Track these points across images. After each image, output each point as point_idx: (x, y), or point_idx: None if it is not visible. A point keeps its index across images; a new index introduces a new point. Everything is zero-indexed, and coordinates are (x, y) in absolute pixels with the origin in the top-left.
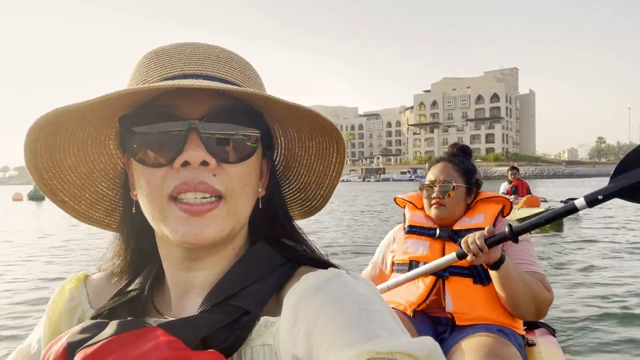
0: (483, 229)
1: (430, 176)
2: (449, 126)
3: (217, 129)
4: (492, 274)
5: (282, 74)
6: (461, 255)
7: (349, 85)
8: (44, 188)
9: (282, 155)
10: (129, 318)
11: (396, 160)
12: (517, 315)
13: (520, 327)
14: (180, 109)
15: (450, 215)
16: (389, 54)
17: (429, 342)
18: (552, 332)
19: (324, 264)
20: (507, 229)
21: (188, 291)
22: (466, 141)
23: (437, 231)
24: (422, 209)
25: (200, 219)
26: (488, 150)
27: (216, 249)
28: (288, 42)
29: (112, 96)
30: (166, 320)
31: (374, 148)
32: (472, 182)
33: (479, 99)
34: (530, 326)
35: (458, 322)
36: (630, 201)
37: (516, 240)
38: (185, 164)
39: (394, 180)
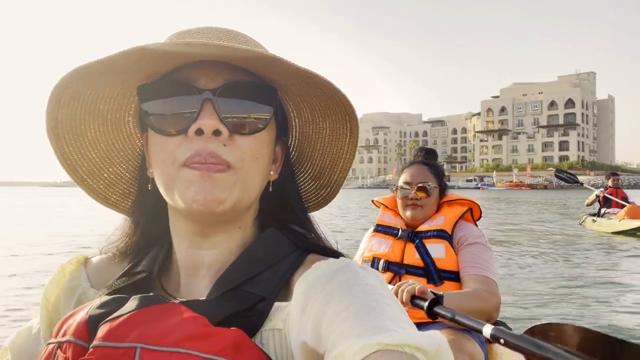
0: (442, 230)
1: (407, 178)
2: (519, 133)
3: (231, 100)
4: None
5: (347, 76)
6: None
7: (413, 91)
8: (64, 163)
9: (296, 139)
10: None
11: (461, 167)
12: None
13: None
14: (197, 81)
15: (425, 215)
16: (455, 59)
17: (437, 336)
18: (509, 329)
19: (334, 253)
20: (426, 305)
21: (197, 271)
22: (538, 149)
23: (399, 231)
24: (393, 209)
25: (210, 180)
26: (562, 159)
27: (225, 227)
28: (357, 43)
29: (132, 50)
30: (176, 300)
31: (438, 155)
32: (443, 184)
33: (552, 104)
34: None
35: (414, 320)
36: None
37: (432, 317)
38: (199, 132)
39: (459, 188)
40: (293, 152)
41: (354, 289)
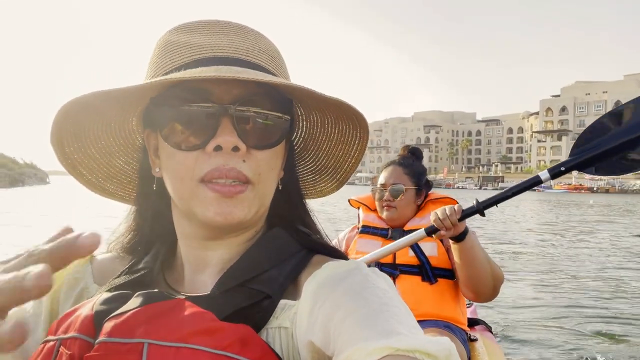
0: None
1: (381, 179)
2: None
3: (248, 115)
4: (457, 247)
5: (398, 73)
6: (431, 231)
7: (467, 89)
8: (64, 162)
9: (301, 137)
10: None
11: (516, 168)
12: (475, 294)
13: (464, 324)
14: (213, 93)
15: (401, 216)
16: (512, 56)
17: (447, 343)
18: (490, 329)
19: (339, 255)
20: (475, 202)
21: (203, 269)
22: None
23: (389, 232)
24: (375, 210)
25: (230, 200)
26: None
27: (237, 231)
28: (411, 39)
29: (149, 85)
30: (180, 295)
31: (492, 155)
32: (421, 184)
33: (618, 104)
34: (471, 323)
35: None
36: (588, 173)
37: (483, 214)
38: (217, 148)
39: None
40: (297, 147)
41: (365, 292)
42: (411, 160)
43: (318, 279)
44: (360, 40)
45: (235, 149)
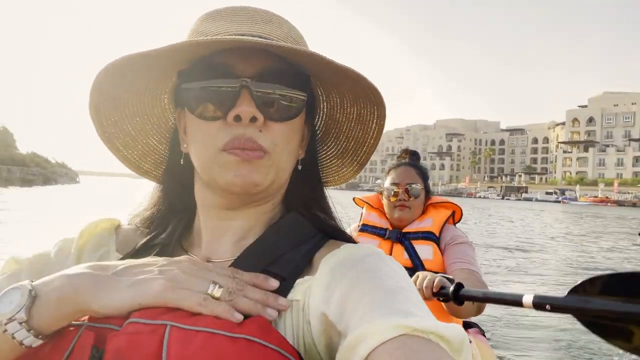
0: (430, 232)
1: (394, 179)
2: (608, 145)
3: (267, 88)
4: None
5: (420, 81)
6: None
7: (490, 98)
8: (102, 134)
9: (323, 120)
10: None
11: (541, 179)
12: (461, 316)
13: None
14: (235, 67)
15: (413, 216)
16: (538, 67)
17: (461, 330)
18: (482, 332)
19: (352, 241)
20: (452, 289)
21: (221, 237)
22: (628, 164)
23: (387, 232)
24: (378, 209)
25: (249, 164)
26: None
27: (256, 202)
28: (433, 46)
29: (178, 46)
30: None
31: (516, 165)
32: (428, 187)
33: None
34: (465, 326)
35: None
36: (578, 319)
37: (458, 303)
38: (237, 118)
39: (537, 200)
40: (319, 131)
41: (382, 274)
42: (419, 163)
43: (337, 258)
44: (380, 44)
45: (253, 119)
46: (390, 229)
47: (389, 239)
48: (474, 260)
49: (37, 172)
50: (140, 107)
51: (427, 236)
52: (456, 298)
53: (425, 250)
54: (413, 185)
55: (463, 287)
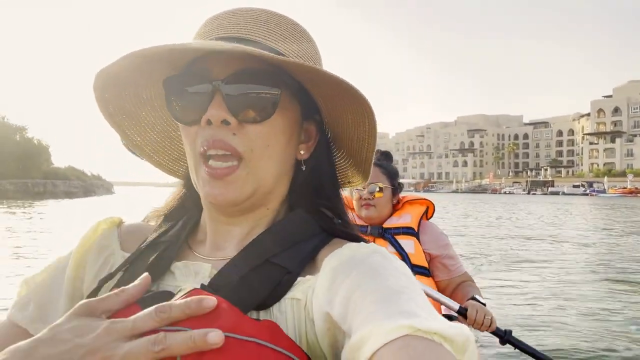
0: (410, 227)
1: None
2: (635, 135)
3: (238, 89)
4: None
5: (439, 76)
6: (461, 313)
7: (511, 91)
8: (130, 144)
9: (327, 121)
10: (165, 262)
11: (567, 172)
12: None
13: None
14: (211, 71)
15: (379, 215)
16: (558, 56)
17: (466, 330)
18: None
19: (358, 240)
20: (505, 332)
21: (225, 239)
22: None
23: (368, 228)
24: (352, 209)
25: (220, 182)
26: None
27: (248, 209)
28: (449, 39)
29: (152, 49)
30: (202, 258)
31: (541, 159)
32: (396, 184)
33: None
34: (447, 318)
35: None
36: None
37: (504, 343)
38: (209, 122)
39: (564, 194)
40: (329, 132)
41: (386, 273)
42: (386, 162)
43: (340, 257)
44: (394, 45)
45: (226, 122)
46: (370, 226)
47: (371, 235)
48: (458, 259)
49: (78, 184)
50: (155, 115)
51: (407, 231)
52: (507, 342)
53: (407, 244)
54: (373, 184)
55: (511, 333)
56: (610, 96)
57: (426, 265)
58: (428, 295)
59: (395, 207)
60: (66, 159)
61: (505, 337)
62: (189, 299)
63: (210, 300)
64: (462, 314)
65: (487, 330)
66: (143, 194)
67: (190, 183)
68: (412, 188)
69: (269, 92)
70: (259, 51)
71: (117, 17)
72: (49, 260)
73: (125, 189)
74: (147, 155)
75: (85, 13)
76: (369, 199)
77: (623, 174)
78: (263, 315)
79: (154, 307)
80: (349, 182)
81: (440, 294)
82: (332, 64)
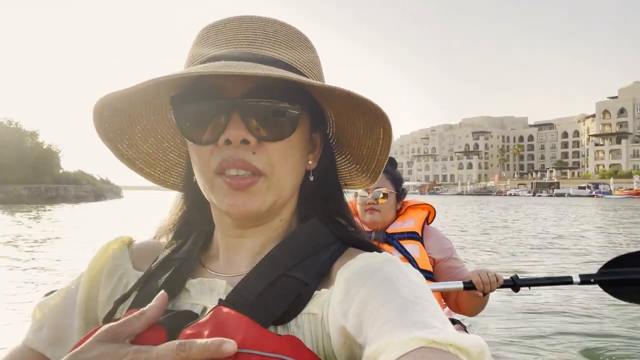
0: (414, 232)
1: None
2: None
3: (256, 107)
4: (475, 297)
5: (442, 79)
6: (468, 287)
7: (515, 93)
8: (122, 159)
9: (333, 129)
10: (179, 279)
11: (573, 174)
12: (469, 314)
13: None
14: (225, 87)
15: (383, 220)
16: (562, 58)
17: (481, 341)
18: (465, 328)
19: (373, 248)
20: (512, 277)
21: (237, 253)
22: None
23: (373, 234)
24: (357, 214)
25: (242, 193)
26: None
27: (263, 220)
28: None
29: (148, 84)
30: (217, 275)
31: (546, 161)
32: (400, 190)
33: None
34: None
35: None
36: (608, 293)
37: (517, 290)
38: (228, 142)
39: (569, 195)
40: (332, 139)
41: (399, 284)
42: (390, 168)
43: (353, 268)
44: (396, 46)
45: (245, 141)
46: (374, 231)
47: (376, 240)
48: (461, 263)
49: (89, 189)
50: (150, 129)
51: (412, 236)
52: (519, 286)
53: (412, 249)
54: (379, 189)
55: (518, 277)
56: (616, 97)
57: (431, 269)
58: (433, 290)
59: (399, 212)
60: (73, 163)
61: (516, 283)
62: (209, 341)
63: (230, 345)
64: (470, 287)
65: (497, 287)
66: (151, 199)
67: (191, 198)
68: (417, 191)
69: (289, 110)
70: (287, 74)
71: (117, 17)
72: (80, 267)
73: (133, 193)
74: (138, 168)
75: (85, 13)
76: (373, 204)
77: (629, 175)
78: (281, 330)
79: (176, 343)
80: (345, 185)
81: (443, 282)
82: (333, 63)
